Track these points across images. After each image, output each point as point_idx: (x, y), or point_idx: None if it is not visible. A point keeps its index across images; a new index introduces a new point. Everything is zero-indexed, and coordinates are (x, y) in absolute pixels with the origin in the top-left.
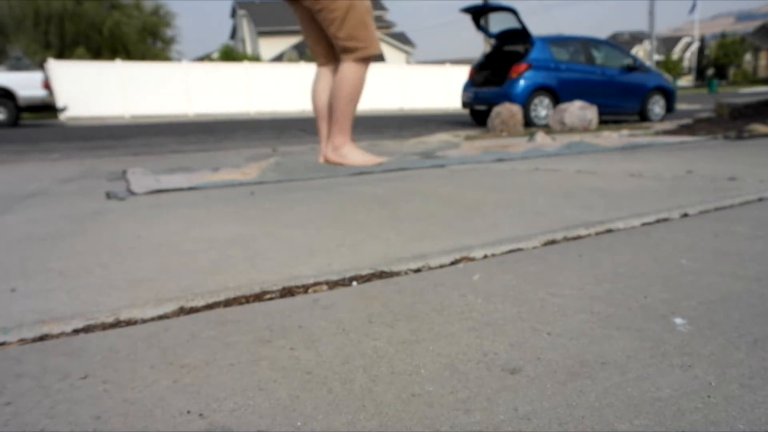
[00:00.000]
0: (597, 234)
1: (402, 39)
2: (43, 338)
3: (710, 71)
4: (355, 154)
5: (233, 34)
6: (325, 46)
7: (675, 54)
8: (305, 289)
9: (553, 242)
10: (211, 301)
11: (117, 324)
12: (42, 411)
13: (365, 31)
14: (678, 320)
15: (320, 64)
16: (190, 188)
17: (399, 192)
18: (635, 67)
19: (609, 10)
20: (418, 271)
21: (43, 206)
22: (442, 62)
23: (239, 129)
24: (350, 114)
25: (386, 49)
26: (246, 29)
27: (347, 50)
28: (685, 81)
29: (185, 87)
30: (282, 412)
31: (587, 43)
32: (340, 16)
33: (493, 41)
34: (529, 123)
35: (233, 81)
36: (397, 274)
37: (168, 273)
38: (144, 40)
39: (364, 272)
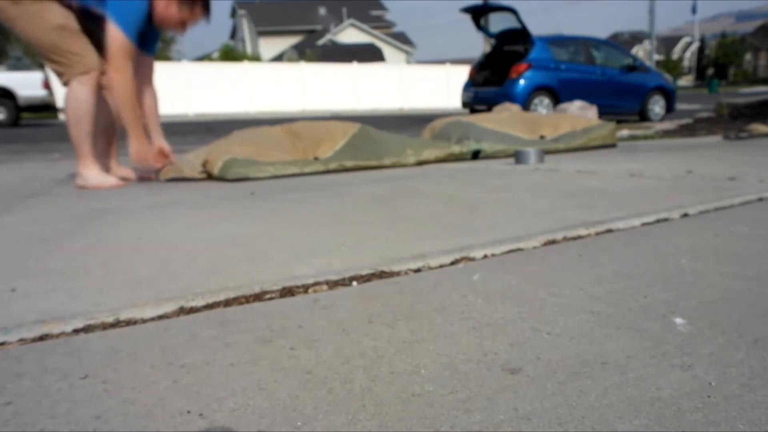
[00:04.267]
0: (597, 234)
1: (402, 39)
2: (43, 338)
3: (710, 71)
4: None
5: (233, 34)
6: None
7: (675, 54)
8: (305, 289)
9: (553, 242)
10: (211, 301)
11: (117, 324)
12: (42, 411)
13: (60, 49)
14: (678, 320)
15: None
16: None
17: (399, 192)
18: (635, 66)
19: (609, 10)
20: (418, 271)
21: (43, 206)
22: (442, 62)
23: (240, 129)
24: (81, 137)
25: (386, 49)
26: (246, 29)
27: (56, 72)
28: (685, 81)
29: (185, 87)
30: (282, 412)
31: (587, 43)
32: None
33: (493, 41)
34: None
35: (233, 81)
36: (397, 274)
37: (168, 273)
38: None
39: (364, 272)
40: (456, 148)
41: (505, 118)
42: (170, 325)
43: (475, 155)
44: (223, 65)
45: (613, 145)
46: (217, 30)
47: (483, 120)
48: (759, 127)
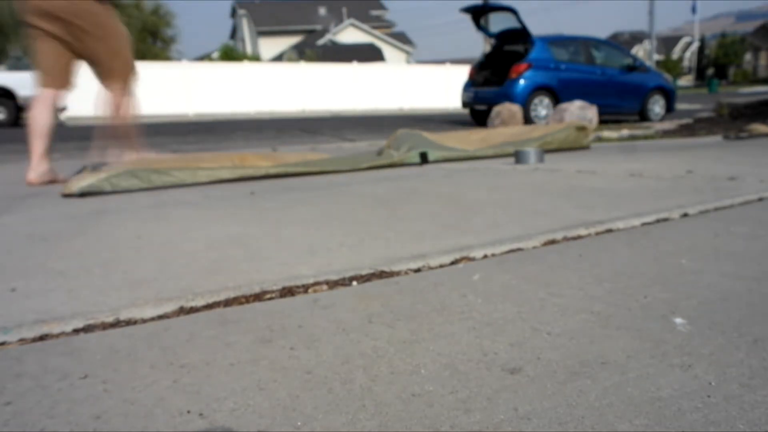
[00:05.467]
0: (597, 234)
1: (402, 39)
2: (43, 338)
3: (710, 71)
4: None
5: (233, 34)
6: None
7: (675, 54)
8: (305, 289)
9: (553, 242)
10: (211, 301)
11: (117, 324)
12: (42, 411)
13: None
14: (678, 320)
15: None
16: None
17: (399, 192)
18: (635, 66)
19: (609, 10)
20: (418, 270)
21: (43, 206)
22: (442, 62)
23: (239, 129)
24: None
25: (386, 49)
26: (246, 29)
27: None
28: (685, 81)
29: (185, 87)
30: (282, 412)
31: (587, 43)
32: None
33: (493, 41)
34: (529, 123)
35: (233, 81)
36: (397, 273)
37: (168, 273)
38: (144, 40)
39: (364, 272)
40: (398, 159)
41: (457, 137)
42: (170, 325)
43: (424, 160)
44: (223, 65)
45: (586, 148)
46: (217, 30)
47: (436, 137)
48: (759, 127)
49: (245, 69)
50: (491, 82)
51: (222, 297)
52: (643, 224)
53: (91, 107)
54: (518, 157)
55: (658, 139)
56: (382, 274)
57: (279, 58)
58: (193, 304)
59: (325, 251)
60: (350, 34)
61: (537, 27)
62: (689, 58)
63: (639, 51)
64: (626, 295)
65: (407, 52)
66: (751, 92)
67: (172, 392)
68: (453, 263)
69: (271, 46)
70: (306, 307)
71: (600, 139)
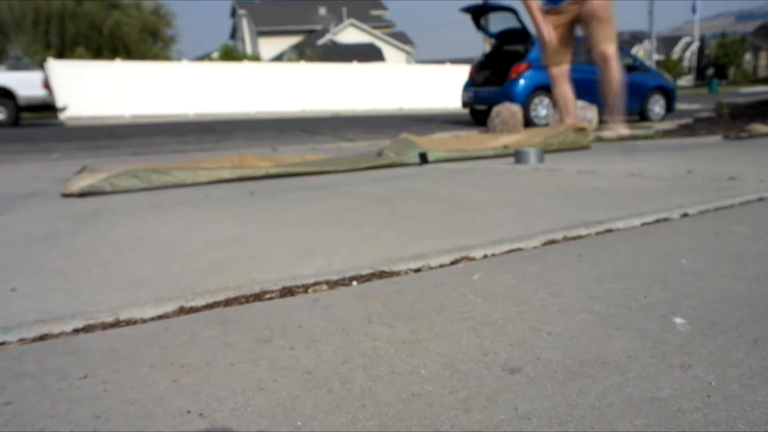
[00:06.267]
0: (597, 234)
1: (402, 39)
2: (43, 338)
3: (710, 71)
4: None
5: (233, 33)
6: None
7: (675, 54)
8: (305, 288)
9: (553, 242)
10: (211, 300)
11: (117, 324)
12: (42, 411)
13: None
14: (678, 320)
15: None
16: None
17: (399, 192)
18: (635, 66)
19: None
20: (418, 270)
21: (43, 206)
22: (442, 62)
23: (239, 129)
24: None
25: (386, 49)
26: (246, 29)
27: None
28: (685, 81)
29: (185, 87)
30: (282, 412)
31: None
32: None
33: (493, 41)
34: (529, 123)
35: (233, 81)
36: (397, 273)
37: (168, 273)
38: (144, 40)
39: (364, 272)
40: (397, 159)
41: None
42: (170, 325)
43: (424, 160)
44: (223, 65)
45: (586, 148)
46: (217, 30)
47: (436, 145)
48: (759, 127)
49: (245, 69)
50: (491, 82)
51: (222, 297)
52: (643, 224)
53: (91, 108)
54: (518, 157)
55: (658, 138)
56: (382, 274)
57: (279, 58)
58: (193, 304)
59: (325, 251)
60: (350, 34)
61: None
62: (689, 58)
63: (639, 51)
64: (626, 295)
65: (407, 52)
66: (751, 92)
67: (172, 392)
68: (453, 263)
69: (271, 46)
70: (306, 307)
71: (600, 139)
